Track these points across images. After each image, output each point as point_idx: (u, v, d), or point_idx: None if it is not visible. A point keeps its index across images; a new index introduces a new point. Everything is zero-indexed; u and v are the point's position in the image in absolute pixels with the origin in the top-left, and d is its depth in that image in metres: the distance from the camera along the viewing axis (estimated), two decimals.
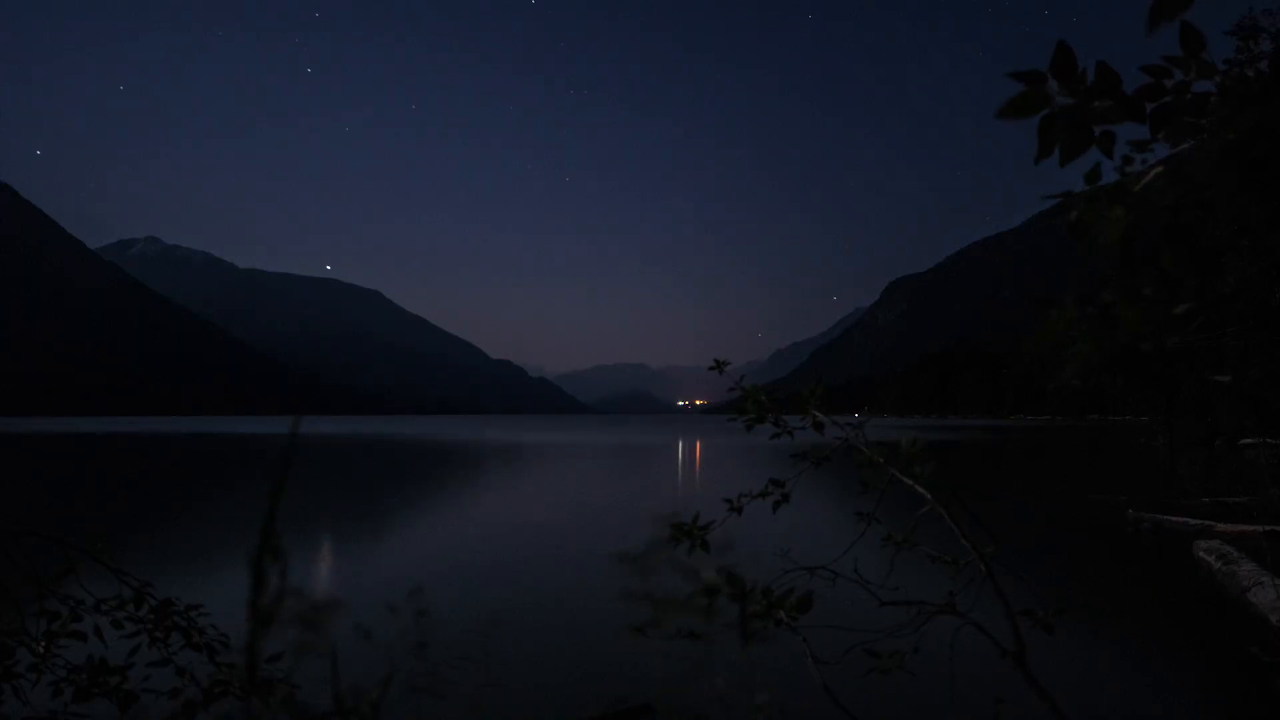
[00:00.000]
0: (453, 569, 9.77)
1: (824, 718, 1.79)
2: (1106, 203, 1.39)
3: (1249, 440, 12.39)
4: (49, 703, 2.16)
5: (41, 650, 2.26)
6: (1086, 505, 15.42)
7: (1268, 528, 9.47)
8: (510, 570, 9.65)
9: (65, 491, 19.99)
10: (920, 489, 1.79)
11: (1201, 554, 9.00)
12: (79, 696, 2.22)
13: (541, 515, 15.30)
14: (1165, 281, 1.23)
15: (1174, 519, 11.66)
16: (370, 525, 13.95)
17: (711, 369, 2.62)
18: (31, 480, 23.67)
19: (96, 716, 2.29)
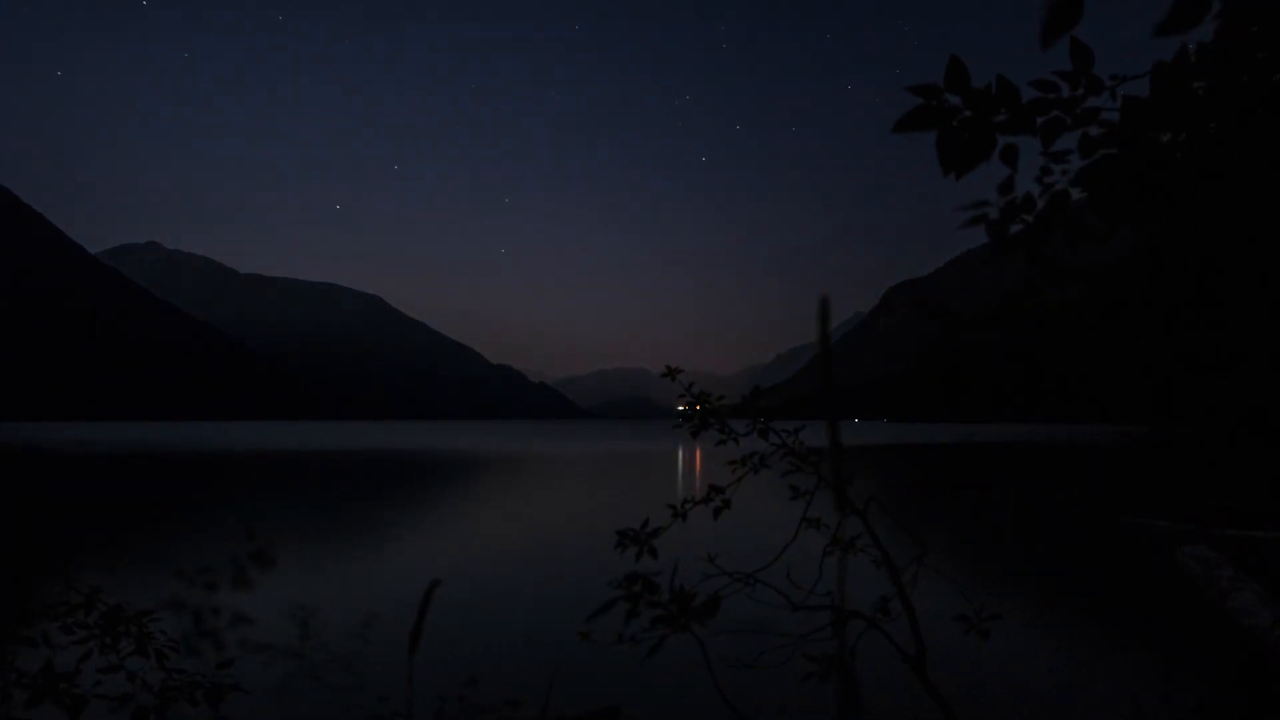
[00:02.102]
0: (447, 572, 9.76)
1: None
2: (1016, 212, 1.43)
3: (1243, 444, 12.41)
4: None
5: None
6: (1077, 508, 15.41)
7: (1245, 533, 9.49)
8: (472, 576, 9.65)
9: (55, 499, 19.97)
10: (842, 496, 1.80)
11: (1185, 558, 8.99)
12: (30, 702, 2.24)
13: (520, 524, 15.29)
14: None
15: (1162, 523, 11.68)
16: (362, 538, 13.94)
17: (664, 376, 2.63)
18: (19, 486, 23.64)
19: None
